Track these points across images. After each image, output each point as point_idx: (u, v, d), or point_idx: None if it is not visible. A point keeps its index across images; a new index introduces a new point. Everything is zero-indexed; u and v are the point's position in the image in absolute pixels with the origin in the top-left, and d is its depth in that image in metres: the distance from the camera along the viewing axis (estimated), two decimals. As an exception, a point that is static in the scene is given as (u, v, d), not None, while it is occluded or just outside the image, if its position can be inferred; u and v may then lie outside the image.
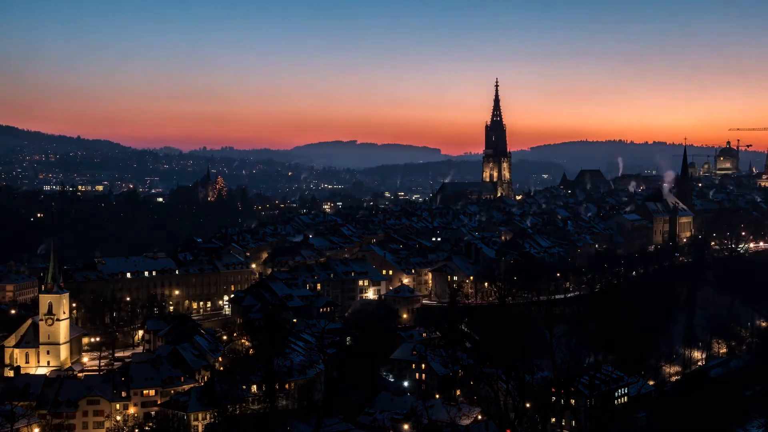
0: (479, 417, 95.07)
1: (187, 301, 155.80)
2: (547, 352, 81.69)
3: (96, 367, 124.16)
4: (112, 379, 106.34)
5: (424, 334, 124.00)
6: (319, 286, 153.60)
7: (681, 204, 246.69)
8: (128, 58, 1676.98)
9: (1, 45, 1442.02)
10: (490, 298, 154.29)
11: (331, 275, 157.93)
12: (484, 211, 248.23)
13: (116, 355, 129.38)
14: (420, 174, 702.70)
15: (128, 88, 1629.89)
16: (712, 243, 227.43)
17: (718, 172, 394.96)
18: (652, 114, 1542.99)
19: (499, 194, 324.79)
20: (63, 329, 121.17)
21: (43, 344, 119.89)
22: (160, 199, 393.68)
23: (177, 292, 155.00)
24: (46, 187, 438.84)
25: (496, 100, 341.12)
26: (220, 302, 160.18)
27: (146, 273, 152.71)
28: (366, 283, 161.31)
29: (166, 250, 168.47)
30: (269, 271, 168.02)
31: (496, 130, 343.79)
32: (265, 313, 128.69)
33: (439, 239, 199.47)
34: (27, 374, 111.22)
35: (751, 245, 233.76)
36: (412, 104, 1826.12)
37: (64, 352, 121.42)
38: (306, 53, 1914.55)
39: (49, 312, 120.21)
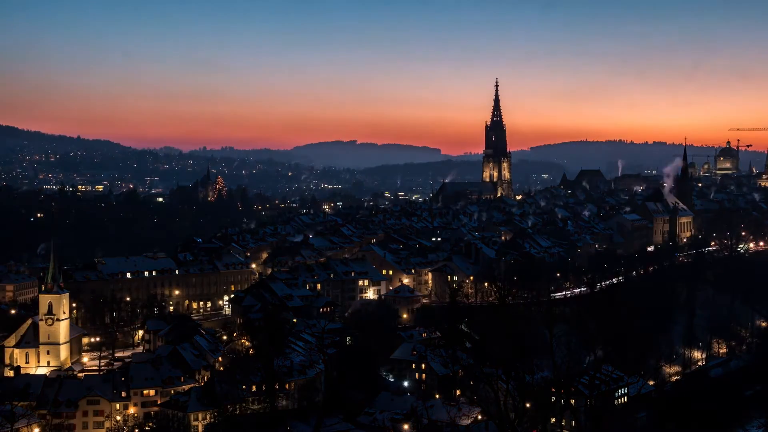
0: (479, 417, 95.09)
1: (187, 301, 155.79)
2: (547, 352, 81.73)
3: (96, 367, 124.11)
4: (112, 379, 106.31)
5: (424, 334, 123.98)
6: (319, 286, 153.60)
7: (681, 204, 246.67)
8: (128, 58, 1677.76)
9: (1, 45, 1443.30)
10: (490, 298, 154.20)
11: (331, 275, 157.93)
12: (484, 211, 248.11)
13: (116, 355, 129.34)
14: (420, 174, 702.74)
15: (128, 88, 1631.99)
16: (712, 243, 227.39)
17: (718, 172, 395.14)
18: (652, 114, 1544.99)
19: (499, 194, 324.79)
20: (63, 329, 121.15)
21: (43, 344, 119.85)
22: (160, 199, 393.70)
23: (177, 292, 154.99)
24: (46, 187, 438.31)
25: (496, 100, 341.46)
26: (220, 302, 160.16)
27: (146, 273, 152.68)
28: (366, 283, 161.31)
29: (166, 250, 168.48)
30: (269, 271, 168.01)
31: (496, 130, 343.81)
32: (265, 313, 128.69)
33: (439, 239, 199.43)
34: (27, 374, 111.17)
35: (751, 245, 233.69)
36: (412, 104, 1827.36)
37: (64, 352, 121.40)
38: (306, 53, 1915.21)
39: (49, 312, 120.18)
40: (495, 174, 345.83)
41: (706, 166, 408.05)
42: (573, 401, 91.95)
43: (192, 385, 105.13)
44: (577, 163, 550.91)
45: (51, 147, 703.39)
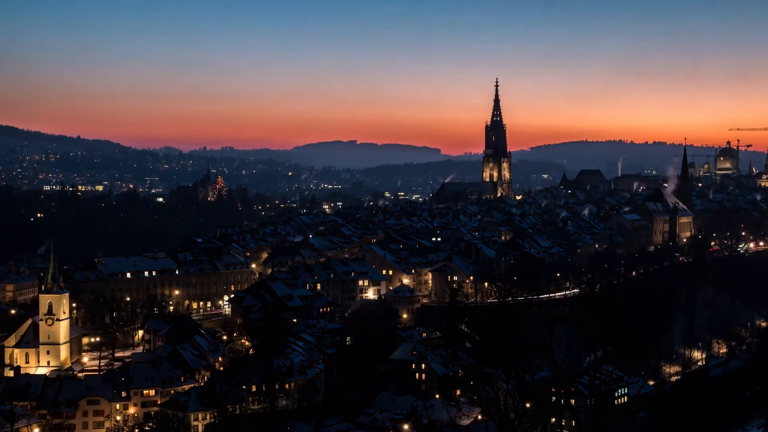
0: (479, 417, 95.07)
1: (187, 301, 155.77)
2: (547, 352, 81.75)
3: (96, 367, 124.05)
4: (112, 379, 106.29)
5: (424, 334, 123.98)
6: (319, 286, 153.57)
7: (681, 204, 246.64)
8: (128, 58, 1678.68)
9: (1, 45, 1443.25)
10: (490, 298, 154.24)
11: (331, 275, 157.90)
12: (484, 211, 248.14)
13: (116, 355, 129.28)
14: (420, 174, 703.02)
15: (128, 88, 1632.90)
16: (712, 243, 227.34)
17: (718, 172, 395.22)
18: (652, 114, 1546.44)
19: (499, 194, 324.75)
20: (63, 329, 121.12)
21: (43, 344, 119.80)
22: (160, 199, 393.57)
23: (177, 292, 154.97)
24: (46, 187, 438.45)
25: (496, 100, 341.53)
26: (220, 302, 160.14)
27: (146, 273, 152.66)
28: (366, 283, 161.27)
29: (166, 250, 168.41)
30: (269, 271, 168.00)
31: (496, 130, 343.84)
32: (265, 313, 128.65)
33: (439, 239, 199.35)
34: (27, 374, 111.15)
35: (751, 245, 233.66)
36: (412, 104, 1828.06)
37: (64, 352, 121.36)
38: (306, 53, 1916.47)
39: (49, 312, 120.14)
40: (495, 174, 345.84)
41: (706, 166, 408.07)
42: (573, 401, 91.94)
43: (192, 385, 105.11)
44: (577, 163, 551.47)
45: (51, 147, 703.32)
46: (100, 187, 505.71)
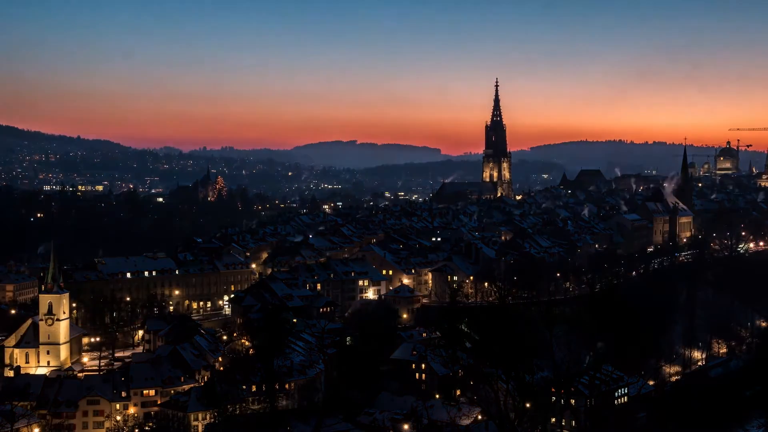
0: (479, 417, 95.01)
1: (187, 301, 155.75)
2: (547, 352, 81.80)
3: (96, 367, 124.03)
4: (112, 379, 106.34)
5: (424, 334, 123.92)
6: (319, 286, 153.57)
7: (681, 204, 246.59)
8: (128, 58, 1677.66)
9: (1, 45, 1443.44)
10: (490, 298, 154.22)
11: (331, 275, 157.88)
12: (484, 211, 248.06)
13: (116, 355, 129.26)
14: (420, 174, 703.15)
15: (128, 88, 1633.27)
16: (712, 243, 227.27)
17: (718, 172, 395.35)
18: (652, 114, 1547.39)
19: (499, 194, 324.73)
20: (63, 329, 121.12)
21: (43, 344, 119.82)
22: (160, 199, 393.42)
23: (177, 292, 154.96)
24: (46, 187, 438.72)
25: (496, 100, 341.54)
26: (220, 302, 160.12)
27: (146, 273, 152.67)
28: (366, 283, 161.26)
29: (166, 250, 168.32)
30: (269, 271, 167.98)
31: (496, 130, 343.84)
32: (265, 313, 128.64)
33: (439, 239, 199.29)
34: (27, 374, 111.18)
35: (751, 245, 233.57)
36: (412, 104, 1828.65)
37: (64, 352, 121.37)
38: (306, 53, 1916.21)
39: (49, 312, 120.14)
40: (495, 174, 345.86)
41: (706, 166, 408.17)
42: (573, 401, 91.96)
43: (192, 385, 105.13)
44: (577, 163, 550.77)
45: (51, 147, 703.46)
46: (100, 187, 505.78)
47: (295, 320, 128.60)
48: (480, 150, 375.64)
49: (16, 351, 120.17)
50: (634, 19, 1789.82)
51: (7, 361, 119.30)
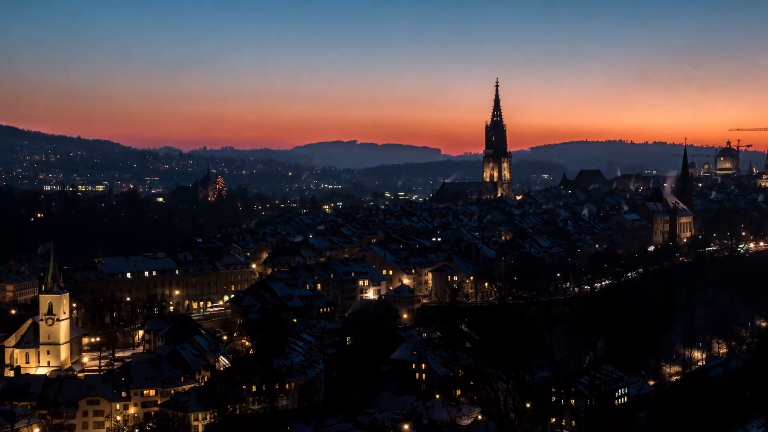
0: (479, 417, 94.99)
1: (187, 301, 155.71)
2: (547, 352, 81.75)
3: (96, 367, 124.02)
4: (112, 379, 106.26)
5: (424, 334, 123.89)
6: (319, 286, 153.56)
7: (681, 204, 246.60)
8: (128, 58, 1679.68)
9: (1, 45, 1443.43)
10: (490, 298, 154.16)
11: (331, 275, 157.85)
12: (484, 211, 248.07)
13: (116, 355, 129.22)
14: (420, 174, 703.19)
15: (128, 88, 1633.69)
16: (712, 243, 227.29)
17: (718, 172, 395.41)
18: (652, 114, 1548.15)
19: (499, 194, 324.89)
20: (63, 329, 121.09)
21: (43, 344, 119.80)
22: (160, 199, 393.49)
23: (177, 292, 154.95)
24: (46, 187, 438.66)
25: (496, 100, 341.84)
26: (220, 302, 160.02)
27: (146, 273, 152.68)
28: (366, 283, 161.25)
29: (166, 250, 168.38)
30: (269, 271, 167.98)
31: (496, 130, 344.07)
32: (265, 313, 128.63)
33: (439, 239, 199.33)
34: (27, 374, 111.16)
35: (751, 245, 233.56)
36: (412, 104, 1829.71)
37: (64, 352, 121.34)
38: (306, 53, 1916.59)
39: (49, 312, 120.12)
40: (495, 174, 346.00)
41: (706, 166, 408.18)
42: (573, 401, 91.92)
43: (192, 385, 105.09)
44: (577, 163, 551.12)
45: (51, 147, 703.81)
46: (100, 187, 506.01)
47: (295, 320, 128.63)
48: (480, 150, 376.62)
49: (16, 351, 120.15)
50: (634, 19, 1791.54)
51: (7, 361, 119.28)
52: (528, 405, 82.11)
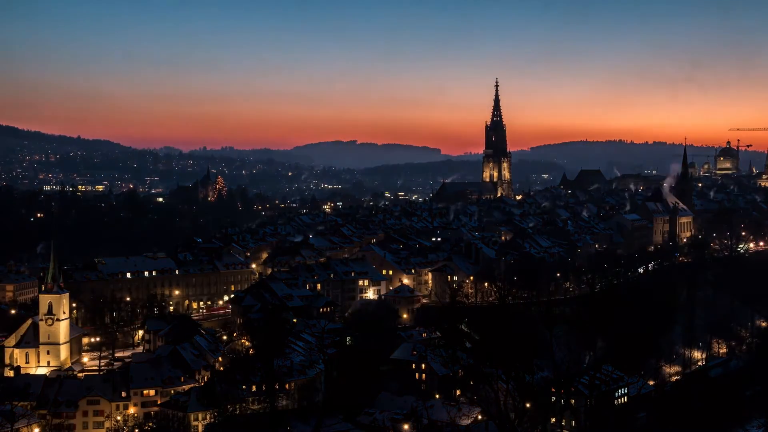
0: (479, 417, 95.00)
1: (187, 301, 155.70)
2: (547, 352, 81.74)
3: (96, 367, 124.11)
4: (112, 379, 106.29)
5: (424, 334, 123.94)
6: (319, 286, 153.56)
7: (681, 204, 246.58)
8: (128, 58, 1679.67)
9: (1, 45, 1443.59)
10: (490, 298, 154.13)
11: (331, 275, 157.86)
12: (484, 211, 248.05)
13: (116, 355, 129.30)
14: (420, 174, 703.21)
15: (128, 88, 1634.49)
16: (712, 243, 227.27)
17: (718, 172, 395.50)
18: (652, 114, 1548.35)
19: (499, 194, 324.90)
20: (63, 329, 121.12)
21: (43, 344, 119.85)
22: (160, 199, 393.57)
23: (177, 292, 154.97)
24: (46, 187, 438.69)
25: (496, 100, 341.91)
26: (220, 302, 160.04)
27: (146, 273, 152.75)
28: (366, 283, 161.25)
29: (166, 250, 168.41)
30: (269, 271, 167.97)
31: (496, 130, 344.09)
32: (265, 313, 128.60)
33: (439, 239, 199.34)
34: (27, 374, 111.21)
35: (751, 245, 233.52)
36: (412, 104, 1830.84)
37: (64, 352, 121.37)
38: (306, 53, 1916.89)
39: (49, 312, 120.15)
40: (495, 174, 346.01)
41: (706, 166, 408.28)
42: (573, 401, 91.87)
43: (192, 385, 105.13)
44: (577, 163, 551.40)
45: (51, 147, 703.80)
46: (100, 187, 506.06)
47: (295, 320, 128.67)
48: (480, 150, 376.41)
49: (16, 351, 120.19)
50: (634, 19, 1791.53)
51: (7, 361, 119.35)
52: (528, 405, 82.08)
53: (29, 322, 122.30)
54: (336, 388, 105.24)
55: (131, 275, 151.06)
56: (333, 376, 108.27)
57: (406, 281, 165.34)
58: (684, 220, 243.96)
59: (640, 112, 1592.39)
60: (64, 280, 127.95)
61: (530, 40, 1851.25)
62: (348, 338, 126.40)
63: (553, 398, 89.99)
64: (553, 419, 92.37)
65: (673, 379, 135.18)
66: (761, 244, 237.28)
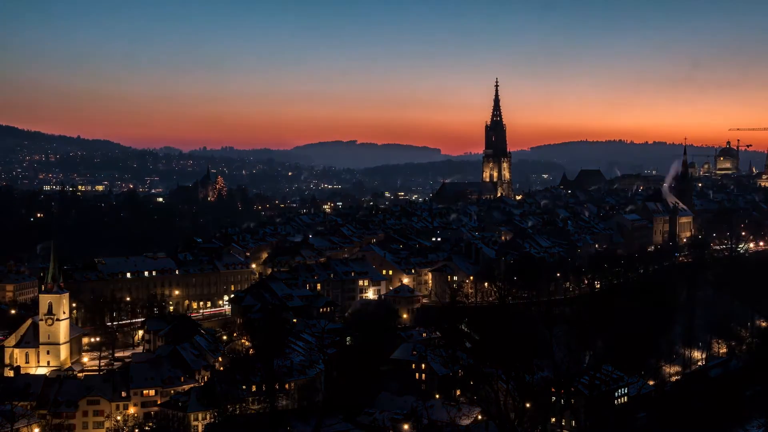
0: (479, 417, 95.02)
1: (187, 301, 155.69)
2: (547, 352, 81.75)
3: (96, 367, 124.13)
4: (112, 379, 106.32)
5: (424, 334, 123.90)
6: (319, 286, 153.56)
7: (681, 204, 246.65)
8: (128, 58, 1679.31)
9: (1, 45, 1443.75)
10: (490, 298, 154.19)
11: (331, 275, 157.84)
12: (484, 211, 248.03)
13: (116, 355, 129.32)
14: (420, 174, 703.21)
15: (128, 88, 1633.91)
16: (712, 243, 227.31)
17: (718, 172, 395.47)
18: (652, 114, 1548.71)
19: (499, 194, 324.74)
20: (63, 329, 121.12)
21: (43, 344, 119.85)
22: (160, 199, 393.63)
23: (177, 292, 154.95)
24: (46, 187, 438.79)
25: (496, 100, 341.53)
26: (220, 302, 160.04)
27: (146, 273, 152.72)
28: (366, 283, 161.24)
29: (166, 250, 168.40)
30: (269, 271, 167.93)
31: (496, 130, 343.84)
32: (265, 313, 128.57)
33: (439, 239, 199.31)
34: (27, 374, 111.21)
35: (751, 245, 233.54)
36: (412, 104, 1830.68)
37: (64, 352, 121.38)
38: (306, 53, 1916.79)
39: (49, 312, 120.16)
40: (495, 174, 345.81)
41: (706, 166, 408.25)
42: (573, 401, 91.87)
43: (192, 385, 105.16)
44: (577, 163, 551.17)
45: (51, 147, 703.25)
46: (100, 187, 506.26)
47: (295, 320, 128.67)
48: (480, 150, 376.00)
49: (16, 351, 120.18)
50: (634, 19, 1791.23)
51: (7, 361, 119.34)
52: (528, 405, 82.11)
53: (29, 322, 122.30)
54: (336, 388, 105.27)
55: (131, 275, 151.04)
56: (333, 376, 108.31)
57: (406, 281, 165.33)
58: (684, 220, 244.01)
59: (640, 112, 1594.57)
60: (64, 280, 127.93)
61: (530, 40, 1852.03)
62: (348, 338, 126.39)
63: (553, 398, 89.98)
64: (553, 419, 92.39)
65: (673, 379, 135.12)
66: (761, 244, 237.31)
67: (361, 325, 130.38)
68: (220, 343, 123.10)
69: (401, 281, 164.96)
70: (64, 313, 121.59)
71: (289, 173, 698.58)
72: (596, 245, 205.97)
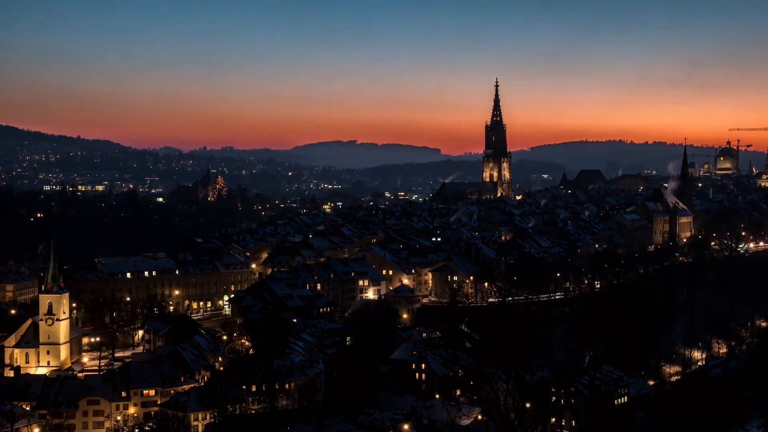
0: (479, 417, 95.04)
1: (187, 301, 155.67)
2: (547, 352, 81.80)
3: (96, 367, 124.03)
4: (112, 379, 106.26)
5: (424, 334, 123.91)
6: (319, 286, 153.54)
7: (681, 204, 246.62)
8: (129, 58, 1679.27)
9: (2, 45, 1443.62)
10: (490, 298, 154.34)
11: (331, 275, 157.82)
12: (484, 211, 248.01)
13: (116, 355, 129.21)
14: (420, 174, 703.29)
15: (128, 88, 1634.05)
16: (712, 243, 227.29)
17: (718, 172, 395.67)
18: (652, 114, 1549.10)
19: (499, 194, 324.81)
20: (63, 329, 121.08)
21: (43, 344, 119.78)
22: (160, 199, 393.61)
23: (177, 292, 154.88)
24: (46, 187, 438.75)
25: (496, 100, 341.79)
26: (220, 302, 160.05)
27: (146, 273, 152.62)
28: (366, 283, 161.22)
29: (166, 250, 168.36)
30: (269, 271, 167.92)
31: (496, 130, 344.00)
32: (265, 313, 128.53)
33: (439, 239, 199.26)
34: (27, 374, 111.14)
35: (751, 245, 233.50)
36: (412, 104, 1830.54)
37: (64, 352, 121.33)
38: (306, 53, 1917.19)
39: (49, 312, 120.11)
40: (495, 174, 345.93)
41: (706, 166, 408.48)
42: (573, 401, 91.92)
43: (192, 385, 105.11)
44: (577, 163, 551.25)
45: (51, 147, 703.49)
46: (100, 187, 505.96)
47: (295, 320, 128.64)
48: (480, 150, 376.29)
49: (16, 351, 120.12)
50: (635, 19, 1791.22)
51: (7, 361, 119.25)
52: (528, 405, 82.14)
53: (29, 322, 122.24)
54: (336, 388, 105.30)
55: (131, 275, 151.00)
56: (333, 376, 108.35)
57: (406, 281, 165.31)
58: (684, 220, 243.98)
59: (640, 112, 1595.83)
60: (64, 280, 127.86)
61: (530, 40, 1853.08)
62: (348, 338, 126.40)
63: (553, 398, 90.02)
64: (553, 419, 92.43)
65: (673, 379, 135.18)
66: (761, 244, 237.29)
67: (361, 325, 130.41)
68: (220, 343, 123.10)
69: (401, 281, 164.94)
70: (64, 313, 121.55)
71: (289, 173, 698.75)
72: (596, 245, 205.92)
